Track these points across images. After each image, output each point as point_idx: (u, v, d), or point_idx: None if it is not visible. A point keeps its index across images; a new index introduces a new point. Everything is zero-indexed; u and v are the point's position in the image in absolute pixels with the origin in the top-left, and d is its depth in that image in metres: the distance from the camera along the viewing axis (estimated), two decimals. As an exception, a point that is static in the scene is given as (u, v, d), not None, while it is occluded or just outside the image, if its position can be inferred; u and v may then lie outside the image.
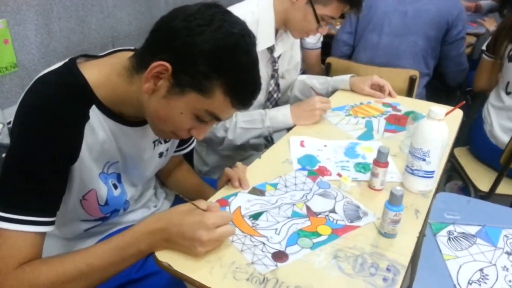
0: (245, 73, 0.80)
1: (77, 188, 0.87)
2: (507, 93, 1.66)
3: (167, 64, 0.76)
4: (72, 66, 0.84)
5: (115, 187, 0.97)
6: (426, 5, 1.92)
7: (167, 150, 1.10)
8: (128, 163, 0.97)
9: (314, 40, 2.19)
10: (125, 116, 0.90)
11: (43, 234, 0.80)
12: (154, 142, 1.02)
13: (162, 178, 1.26)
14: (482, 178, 1.72)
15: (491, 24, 2.61)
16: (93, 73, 0.85)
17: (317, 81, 1.69)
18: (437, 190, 1.08)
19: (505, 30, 1.68)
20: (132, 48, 0.96)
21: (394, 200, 0.86)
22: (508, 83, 1.65)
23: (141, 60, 0.82)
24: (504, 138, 1.63)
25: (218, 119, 0.84)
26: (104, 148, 0.89)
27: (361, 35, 2.05)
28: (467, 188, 1.77)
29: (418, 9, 1.92)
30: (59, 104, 0.79)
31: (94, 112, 0.84)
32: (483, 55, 1.83)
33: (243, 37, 0.79)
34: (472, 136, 1.84)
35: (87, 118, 0.83)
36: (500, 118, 1.70)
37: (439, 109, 0.97)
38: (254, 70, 0.82)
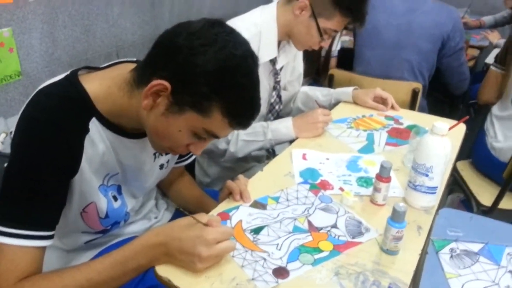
0: (245, 95, 0.80)
1: (77, 200, 0.87)
2: None
3: (167, 84, 0.76)
4: (74, 78, 0.85)
5: (115, 199, 0.97)
6: (419, 17, 1.90)
7: (168, 161, 1.10)
8: (128, 174, 0.97)
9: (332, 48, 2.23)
10: (125, 128, 0.90)
11: (43, 248, 0.80)
12: (154, 154, 1.02)
13: (163, 189, 1.26)
14: (484, 192, 1.71)
15: (494, 37, 2.62)
16: (94, 85, 0.85)
17: (320, 92, 1.69)
18: (440, 203, 1.07)
19: None
20: (134, 59, 0.97)
21: (396, 217, 0.86)
22: None
23: (142, 75, 0.83)
24: (507, 153, 1.63)
25: (216, 137, 0.85)
26: (104, 160, 0.89)
27: (355, 49, 2.05)
28: (469, 201, 1.77)
29: (411, 22, 1.90)
30: (59, 117, 0.79)
31: (94, 125, 0.84)
32: (492, 67, 1.82)
33: (245, 59, 0.79)
34: (474, 149, 1.84)
35: (87, 130, 0.83)
36: (506, 128, 1.69)
37: (442, 124, 0.97)
38: (254, 92, 0.82)
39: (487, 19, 3.07)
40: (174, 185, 1.25)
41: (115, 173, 0.94)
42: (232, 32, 0.81)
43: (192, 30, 0.78)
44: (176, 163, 1.18)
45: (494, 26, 3.03)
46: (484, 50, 2.56)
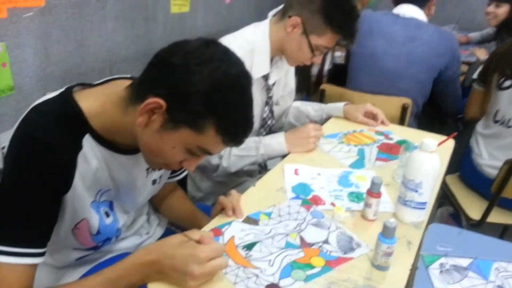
0: (239, 114, 0.82)
1: (69, 217, 0.87)
2: (495, 122, 1.70)
3: (162, 102, 0.78)
4: (68, 95, 0.86)
5: (107, 215, 0.97)
6: (419, 47, 1.86)
7: (160, 177, 1.10)
8: (121, 190, 0.98)
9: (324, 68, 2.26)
10: (119, 144, 0.90)
11: (35, 266, 0.80)
12: (147, 169, 1.03)
13: (155, 204, 1.26)
14: (473, 206, 1.73)
15: (481, 54, 2.68)
16: (88, 102, 0.86)
17: (311, 107, 1.72)
18: (430, 217, 1.09)
19: (495, 61, 1.73)
20: (129, 76, 0.98)
21: (387, 233, 0.87)
22: (497, 111, 1.69)
23: (137, 92, 0.84)
24: (492, 170, 1.66)
25: (209, 153, 0.86)
26: (97, 176, 0.89)
27: (349, 71, 2.03)
28: (458, 215, 1.79)
29: (411, 52, 1.86)
30: (52, 135, 0.79)
31: (87, 141, 0.85)
32: (474, 85, 1.85)
33: (239, 78, 0.81)
34: (461, 164, 1.86)
35: (80, 147, 0.84)
36: (489, 147, 1.72)
37: (431, 141, 0.99)
38: (248, 110, 0.84)
39: (474, 35, 3.15)
40: (166, 200, 1.25)
41: (107, 189, 0.94)
42: (227, 52, 0.83)
43: (188, 49, 0.80)
44: (169, 178, 1.18)
45: (481, 42, 3.11)
46: (471, 66, 2.62)
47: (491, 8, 2.78)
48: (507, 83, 1.64)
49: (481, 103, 1.81)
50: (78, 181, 0.84)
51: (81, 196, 0.86)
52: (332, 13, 1.31)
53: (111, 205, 0.98)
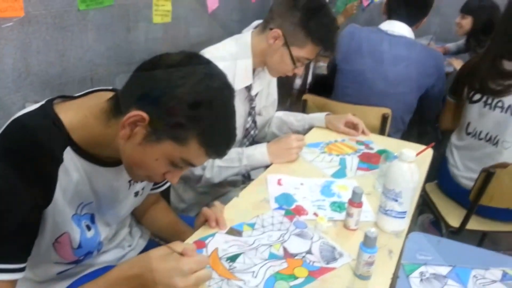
0: (222, 126, 0.83)
1: (50, 231, 0.86)
2: (467, 133, 1.74)
3: (145, 114, 0.78)
4: (49, 108, 0.85)
5: (89, 228, 0.95)
6: (407, 68, 1.88)
7: (143, 188, 1.10)
8: (102, 203, 0.97)
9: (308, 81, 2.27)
10: (100, 156, 0.90)
11: (14, 281, 0.78)
12: (129, 181, 1.02)
13: (137, 216, 1.25)
14: (452, 214, 1.77)
15: (458, 64, 2.76)
16: (69, 115, 0.85)
17: (294, 118, 1.74)
18: (410, 224, 1.11)
19: (464, 75, 1.76)
20: (110, 88, 0.97)
21: (368, 242, 0.88)
22: (468, 123, 1.73)
23: (120, 105, 0.83)
24: (467, 181, 1.69)
25: (192, 165, 0.86)
26: (78, 189, 0.88)
27: (336, 85, 2.04)
28: (438, 222, 1.82)
29: (399, 73, 1.88)
30: (33, 148, 0.79)
31: (68, 154, 0.84)
32: (447, 97, 1.89)
33: (222, 91, 0.82)
34: (439, 174, 1.89)
35: (61, 160, 0.83)
36: (464, 158, 1.76)
37: (410, 151, 1.02)
38: (230, 123, 0.85)
39: (451, 46, 3.24)
40: (149, 211, 1.24)
41: (89, 202, 0.93)
42: (209, 65, 0.84)
43: (171, 62, 0.81)
44: (152, 189, 1.18)
45: (457, 52, 3.20)
46: (449, 76, 2.69)
47: (458, 19, 2.89)
48: (477, 96, 1.68)
49: (454, 114, 1.85)
50: (59, 195, 0.83)
51: (62, 210, 0.85)
52: (312, 26, 1.34)
53: (92, 218, 0.97)
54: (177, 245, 0.83)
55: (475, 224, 1.72)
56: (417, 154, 1.05)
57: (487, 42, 1.75)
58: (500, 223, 1.75)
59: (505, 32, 1.62)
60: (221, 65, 0.86)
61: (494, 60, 1.62)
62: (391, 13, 1.95)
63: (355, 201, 1.04)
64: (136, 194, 1.07)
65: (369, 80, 1.90)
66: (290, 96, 2.39)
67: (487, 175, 1.53)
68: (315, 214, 1.14)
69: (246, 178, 1.71)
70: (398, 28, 1.91)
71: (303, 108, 2.04)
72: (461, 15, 2.87)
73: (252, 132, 1.61)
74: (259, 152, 1.42)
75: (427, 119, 2.15)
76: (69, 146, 0.84)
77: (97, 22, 2.02)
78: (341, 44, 1.92)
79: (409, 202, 1.04)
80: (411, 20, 1.93)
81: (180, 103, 0.77)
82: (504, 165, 1.54)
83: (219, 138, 0.84)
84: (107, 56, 2.13)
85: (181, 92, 0.77)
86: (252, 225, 1.07)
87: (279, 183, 1.28)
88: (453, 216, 1.76)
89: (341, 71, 2.00)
